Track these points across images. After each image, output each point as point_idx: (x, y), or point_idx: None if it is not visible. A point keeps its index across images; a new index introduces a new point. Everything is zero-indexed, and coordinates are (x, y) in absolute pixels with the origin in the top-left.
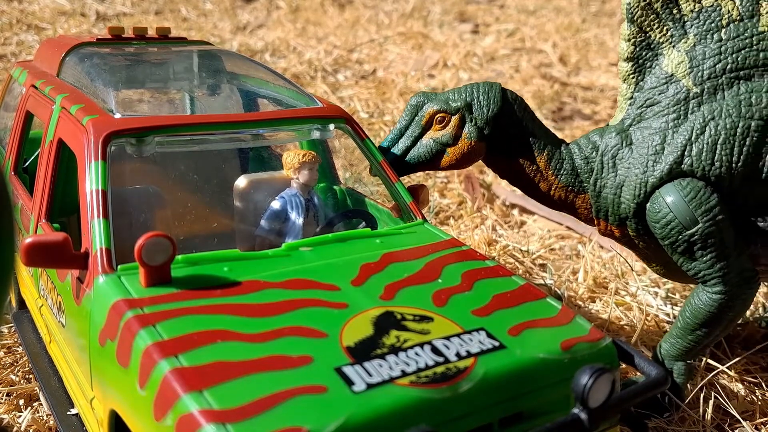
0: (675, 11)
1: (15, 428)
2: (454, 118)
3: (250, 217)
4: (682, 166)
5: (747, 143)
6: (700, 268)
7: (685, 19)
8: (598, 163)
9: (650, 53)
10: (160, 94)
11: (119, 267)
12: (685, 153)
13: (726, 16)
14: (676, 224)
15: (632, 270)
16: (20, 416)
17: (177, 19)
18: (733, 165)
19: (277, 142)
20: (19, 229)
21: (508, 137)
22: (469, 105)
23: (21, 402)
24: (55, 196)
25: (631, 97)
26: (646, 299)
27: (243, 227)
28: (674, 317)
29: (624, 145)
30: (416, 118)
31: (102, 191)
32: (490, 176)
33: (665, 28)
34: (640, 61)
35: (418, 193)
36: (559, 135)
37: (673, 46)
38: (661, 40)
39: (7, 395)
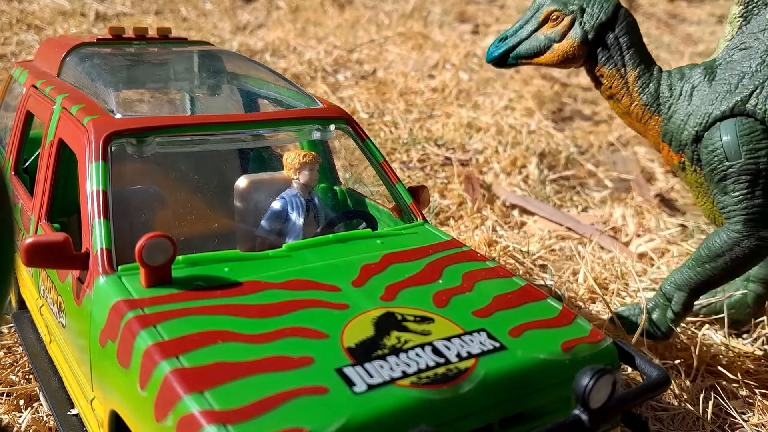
0: None
1: (15, 428)
2: (567, 18)
3: (251, 218)
4: (746, 105)
5: None
6: (728, 203)
7: None
8: (678, 90)
9: (761, 1)
10: (160, 94)
11: (120, 267)
12: (753, 94)
13: None
14: (720, 152)
15: (632, 271)
16: (20, 417)
17: (177, 19)
18: None
19: (277, 142)
20: (20, 229)
21: (609, 47)
22: (582, 9)
23: (21, 402)
24: (56, 197)
25: (731, 39)
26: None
27: (243, 228)
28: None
29: (706, 79)
30: (536, 14)
31: (102, 191)
32: (490, 176)
33: None
34: (750, 6)
35: (418, 193)
36: (560, 135)
37: None
38: None
39: (7, 395)
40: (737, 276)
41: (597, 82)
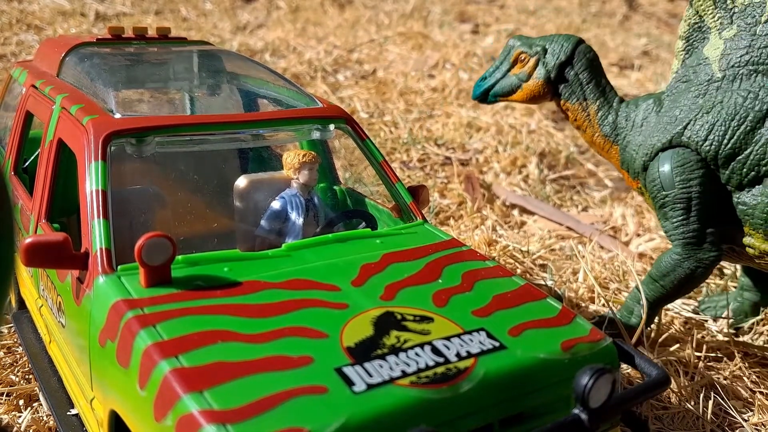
0: (729, 2)
1: (15, 428)
2: (532, 60)
3: (250, 218)
4: (682, 137)
5: (739, 130)
6: (668, 228)
7: (735, 10)
8: (631, 122)
9: (700, 35)
10: (160, 94)
11: (119, 267)
12: (688, 126)
13: (766, 14)
14: (658, 183)
15: (632, 270)
16: (20, 416)
17: (177, 19)
18: (722, 145)
19: (277, 142)
20: (19, 229)
21: (570, 83)
22: (545, 50)
23: (21, 402)
24: (55, 196)
25: (676, 72)
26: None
27: (243, 227)
28: (674, 316)
29: (654, 111)
30: (508, 56)
31: (102, 191)
32: (490, 176)
33: (717, 15)
34: (691, 41)
35: (418, 193)
36: (560, 135)
37: (719, 33)
38: (711, 26)
39: (7, 395)
40: (689, 292)
41: (565, 115)
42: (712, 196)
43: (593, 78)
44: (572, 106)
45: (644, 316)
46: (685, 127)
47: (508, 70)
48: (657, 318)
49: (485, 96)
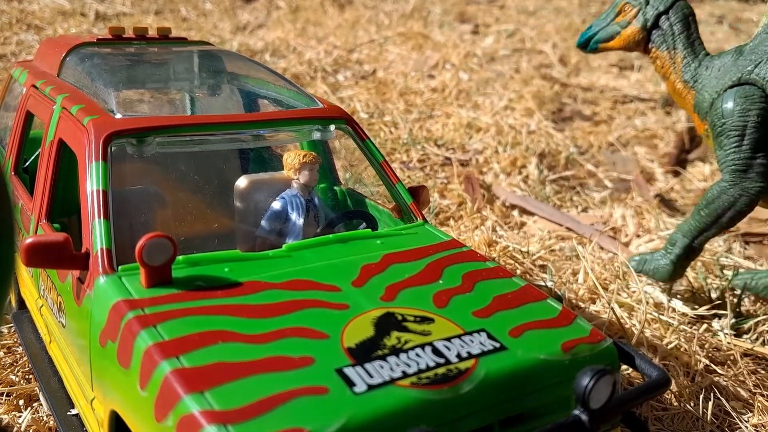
0: None
1: (15, 428)
2: (634, 10)
3: (251, 218)
4: (751, 74)
5: None
6: (720, 156)
7: None
8: (711, 69)
9: None
10: (160, 94)
11: (120, 267)
12: (759, 64)
13: None
14: (719, 111)
15: (632, 271)
16: (20, 416)
17: (177, 19)
18: None
19: (277, 142)
20: (20, 230)
21: (663, 32)
22: (647, 2)
23: (21, 402)
24: (56, 197)
25: (763, 26)
26: (646, 300)
27: (243, 228)
28: (675, 316)
29: (733, 58)
30: (614, 8)
31: (103, 191)
32: (490, 177)
33: None
34: None
35: (418, 193)
36: (559, 136)
37: None
38: None
39: (7, 395)
40: (729, 227)
41: (654, 64)
42: (767, 132)
43: (685, 30)
44: (661, 54)
45: (644, 317)
46: (756, 66)
47: (612, 20)
48: (660, 316)
49: (588, 43)
